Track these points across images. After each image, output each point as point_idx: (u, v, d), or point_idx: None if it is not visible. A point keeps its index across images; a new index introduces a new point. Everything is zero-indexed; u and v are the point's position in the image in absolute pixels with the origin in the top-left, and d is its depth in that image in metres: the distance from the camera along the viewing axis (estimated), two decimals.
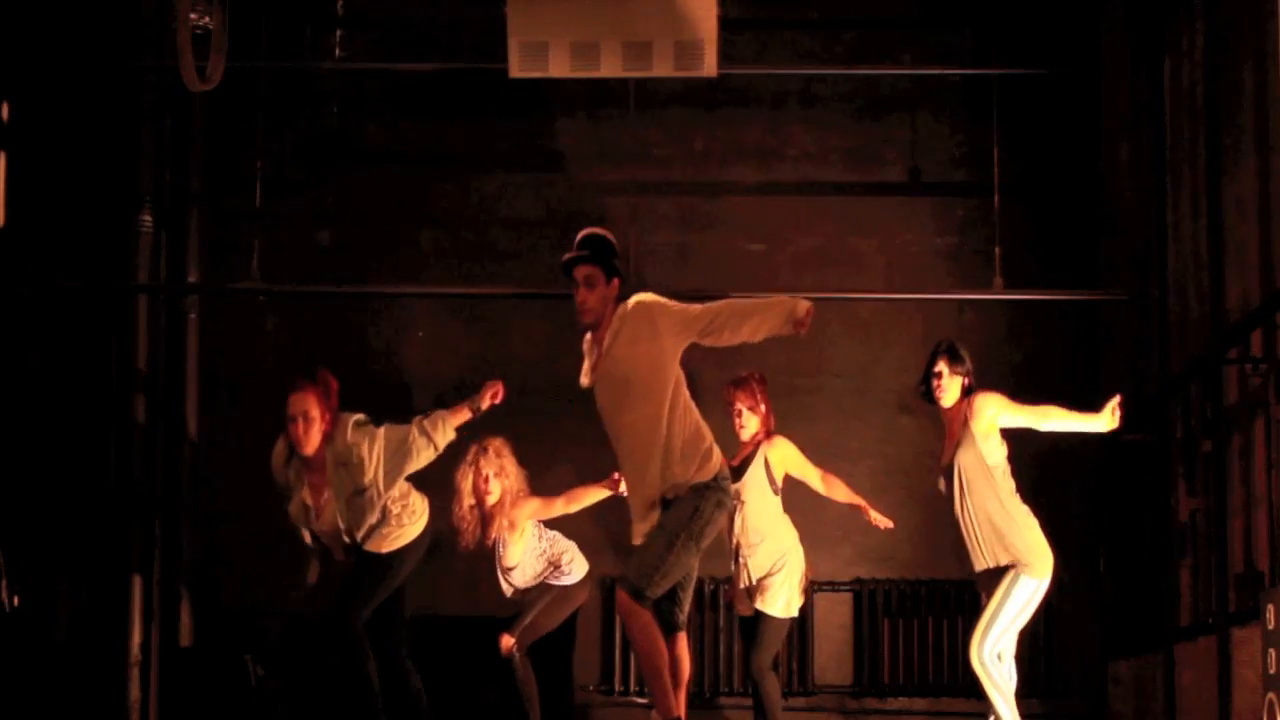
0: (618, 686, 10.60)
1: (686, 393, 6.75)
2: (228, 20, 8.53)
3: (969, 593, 10.21)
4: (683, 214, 11.05)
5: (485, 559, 8.79)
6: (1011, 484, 7.69)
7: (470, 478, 8.63)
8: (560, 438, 10.08)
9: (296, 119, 11.07)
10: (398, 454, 7.75)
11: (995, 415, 7.62)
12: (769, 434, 8.54)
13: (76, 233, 10.51)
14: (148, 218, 10.57)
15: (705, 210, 11.08)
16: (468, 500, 8.66)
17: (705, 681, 10.60)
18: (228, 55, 8.55)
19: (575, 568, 8.79)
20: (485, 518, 8.69)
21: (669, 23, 10.02)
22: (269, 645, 9.92)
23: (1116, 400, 7.74)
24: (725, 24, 10.32)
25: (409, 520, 7.88)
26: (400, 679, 7.90)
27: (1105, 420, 7.71)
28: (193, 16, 8.28)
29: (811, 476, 8.59)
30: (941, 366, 7.75)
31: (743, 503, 8.36)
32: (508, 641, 8.55)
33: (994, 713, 7.59)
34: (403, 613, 8.00)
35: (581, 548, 8.89)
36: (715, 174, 11.11)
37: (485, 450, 8.64)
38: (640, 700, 10.38)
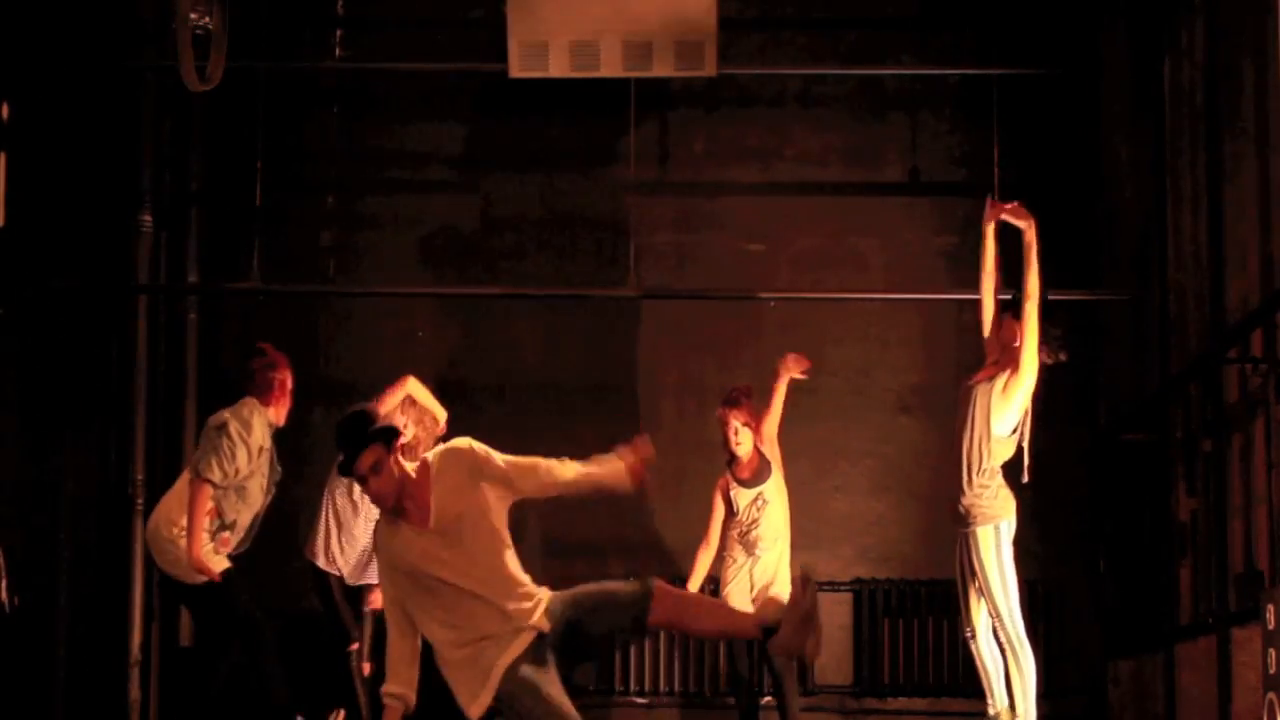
0: (618, 686, 10.58)
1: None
2: (228, 20, 8.52)
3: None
4: (683, 214, 11.03)
5: None
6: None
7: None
8: (564, 437, 10.05)
9: (296, 119, 11.06)
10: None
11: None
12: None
13: (76, 233, 10.50)
14: (148, 218, 10.57)
15: (705, 210, 11.07)
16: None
17: (705, 682, 10.59)
18: (228, 55, 8.55)
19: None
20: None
21: (669, 23, 10.02)
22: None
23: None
24: (725, 24, 10.32)
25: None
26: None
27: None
28: (193, 16, 8.26)
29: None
30: None
31: (767, 502, 8.53)
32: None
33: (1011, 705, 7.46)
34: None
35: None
36: (715, 174, 11.10)
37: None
38: (640, 700, 10.38)
